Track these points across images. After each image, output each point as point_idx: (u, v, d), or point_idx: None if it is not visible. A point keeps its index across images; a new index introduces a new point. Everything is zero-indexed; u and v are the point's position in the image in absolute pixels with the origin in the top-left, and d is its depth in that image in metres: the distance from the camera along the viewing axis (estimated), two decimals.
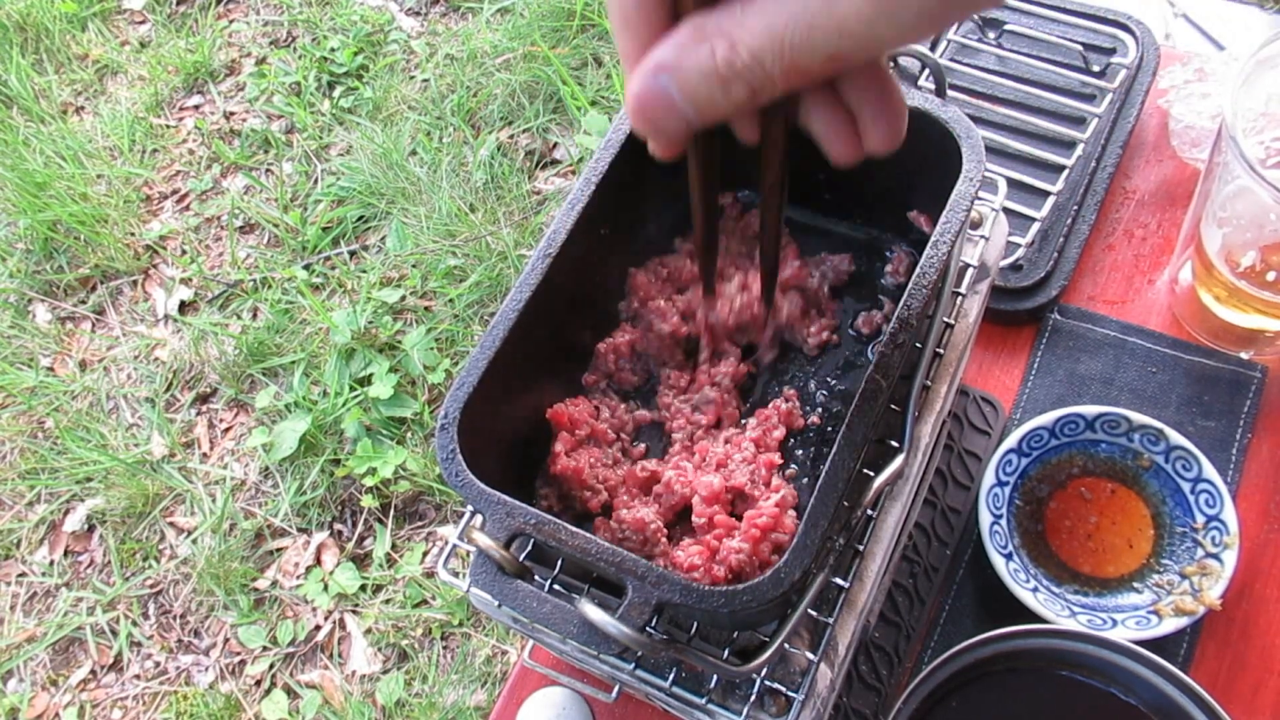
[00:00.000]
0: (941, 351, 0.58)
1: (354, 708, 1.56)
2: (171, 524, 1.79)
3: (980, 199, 0.56)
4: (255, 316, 1.99)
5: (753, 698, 0.50)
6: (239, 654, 1.66)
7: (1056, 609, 0.69)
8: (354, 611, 1.66)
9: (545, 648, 0.63)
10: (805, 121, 0.37)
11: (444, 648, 1.61)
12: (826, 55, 0.27)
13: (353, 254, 2.03)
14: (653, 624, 0.43)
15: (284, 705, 1.59)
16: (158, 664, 1.67)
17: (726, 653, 0.49)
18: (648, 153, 0.37)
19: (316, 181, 2.14)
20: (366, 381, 1.82)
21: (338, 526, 1.74)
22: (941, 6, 0.26)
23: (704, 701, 0.50)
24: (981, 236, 0.60)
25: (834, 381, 0.60)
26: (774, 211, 0.50)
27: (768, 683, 0.50)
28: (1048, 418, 0.75)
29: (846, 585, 0.52)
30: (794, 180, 0.47)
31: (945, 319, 0.58)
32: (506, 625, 0.56)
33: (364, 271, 1.97)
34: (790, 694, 0.50)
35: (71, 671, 1.68)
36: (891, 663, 0.71)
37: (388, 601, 1.65)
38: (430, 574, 1.65)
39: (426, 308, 1.92)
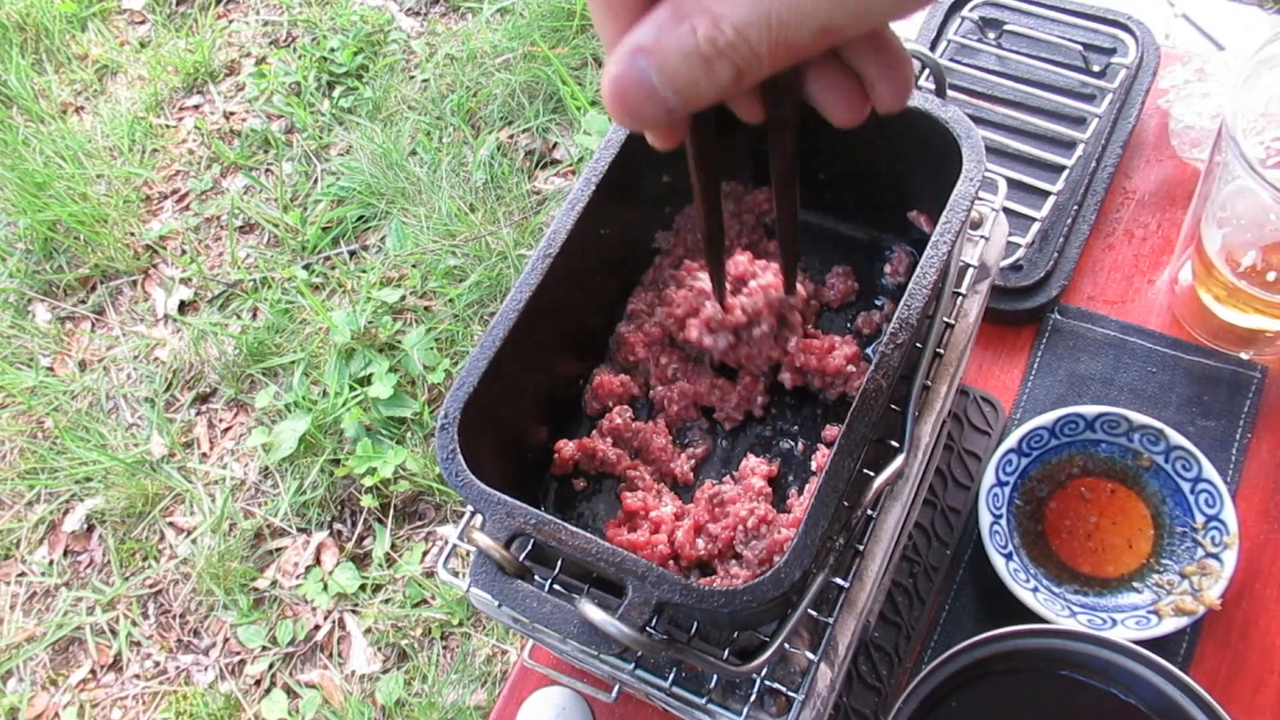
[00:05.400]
0: (941, 351, 0.58)
1: (354, 707, 1.56)
2: (171, 524, 1.79)
3: (980, 199, 0.56)
4: (255, 316, 1.99)
5: (753, 698, 0.50)
6: (239, 654, 1.65)
7: (1056, 609, 0.69)
8: (354, 611, 1.66)
9: (545, 648, 0.63)
10: (804, 86, 0.34)
11: (444, 647, 1.61)
12: (818, 28, 0.26)
13: (353, 254, 2.03)
14: (653, 624, 0.43)
15: (284, 705, 1.59)
16: (157, 664, 1.67)
17: (727, 653, 0.49)
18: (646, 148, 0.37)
19: (316, 181, 2.14)
20: (366, 381, 1.82)
21: (337, 526, 1.74)
22: None
23: (704, 701, 0.50)
24: (981, 236, 0.60)
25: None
26: (788, 198, 0.46)
27: (768, 683, 0.50)
28: (1048, 418, 0.75)
29: (846, 585, 0.52)
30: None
31: (945, 319, 0.58)
32: (506, 625, 0.56)
33: (364, 271, 1.97)
34: (790, 694, 0.50)
35: (71, 671, 1.68)
36: (891, 662, 0.71)
37: (387, 601, 1.65)
38: (430, 574, 1.65)
39: (426, 307, 1.92)
